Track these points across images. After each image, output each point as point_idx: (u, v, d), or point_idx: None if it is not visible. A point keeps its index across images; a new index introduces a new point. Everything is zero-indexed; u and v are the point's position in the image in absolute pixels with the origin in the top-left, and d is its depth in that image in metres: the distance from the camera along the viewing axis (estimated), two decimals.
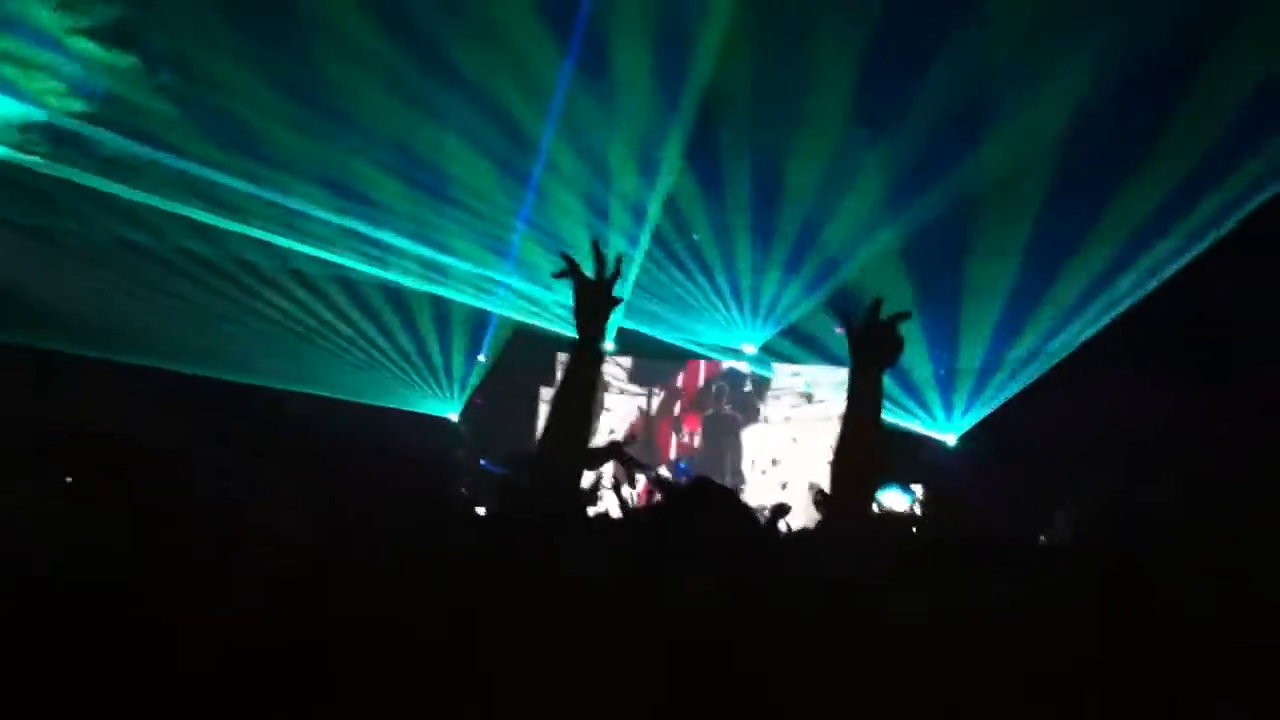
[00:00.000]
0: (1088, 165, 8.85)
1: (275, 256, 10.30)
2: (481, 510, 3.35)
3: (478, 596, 1.92)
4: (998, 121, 8.68)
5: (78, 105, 8.19)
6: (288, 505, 2.27)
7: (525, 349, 11.83)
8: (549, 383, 11.85)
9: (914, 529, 7.20)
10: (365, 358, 11.86)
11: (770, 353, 12.45)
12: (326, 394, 11.01)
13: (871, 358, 2.51)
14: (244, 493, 2.18)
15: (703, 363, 12.72)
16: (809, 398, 12.47)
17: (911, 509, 9.23)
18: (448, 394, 12.53)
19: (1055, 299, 10.50)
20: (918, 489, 9.93)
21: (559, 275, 2.59)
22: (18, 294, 8.92)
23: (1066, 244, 9.83)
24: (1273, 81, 7.78)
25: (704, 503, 2.18)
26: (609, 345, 12.21)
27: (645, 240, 10.89)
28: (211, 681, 1.71)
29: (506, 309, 11.70)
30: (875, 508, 2.96)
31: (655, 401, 12.73)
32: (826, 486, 2.53)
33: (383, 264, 10.66)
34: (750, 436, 12.53)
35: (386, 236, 10.17)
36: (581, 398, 2.51)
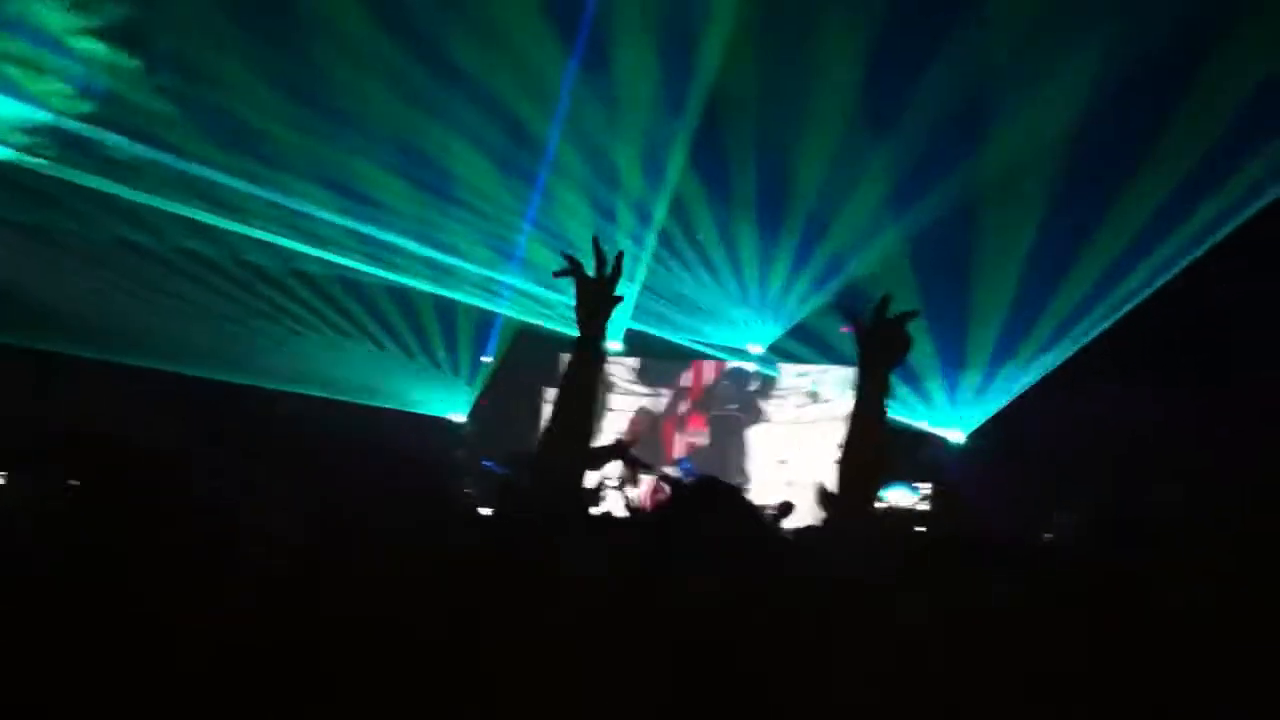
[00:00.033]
0: (1093, 163, 8.85)
1: (278, 257, 10.30)
2: (485, 510, 3.34)
3: (477, 597, 1.91)
4: (1003, 119, 8.68)
5: (81, 106, 8.20)
6: (285, 505, 2.26)
7: (529, 349, 11.81)
8: (553, 383, 11.83)
9: (918, 526, 7.19)
10: (369, 358, 11.86)
11: (776, 352, 12.43)
12: (329, 395, 11.00)
13: (879, 357, 2.49)
14: (242, 493, 2.17)
15: (709, 363, 12.70)
16: (815, 397, 12.45)
17: (917, 505, 9.24)
18: (453, 394, 12.52)
19: (1062, 295, 10.49)
20: (924, 486, 9.92)
21: (560, 274, 2.59)
22: (18, 294, 8.93)
23: (1073, 242, 9.82)
24: (1273, 82, 7.77)
25: (710, 501, 2.17)
26: (617, 345, 12.20)
27: (651, 240, 10.89)
28: (209, 682, 1.71)
29: (512, 310, 11.70)
30: (881, 504, 2.94)
31: (661, 402, 12.71)
32: (832, 486, 2.51)
33: (388, 265, 10.66)
34: (756, 436, 12.51)
35: (391, 238, 10.17)
36: (583, 397, 2.50)
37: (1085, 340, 10.71)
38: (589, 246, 2.61)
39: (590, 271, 2.56)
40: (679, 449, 12.53)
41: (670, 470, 11.22)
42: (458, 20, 8.02)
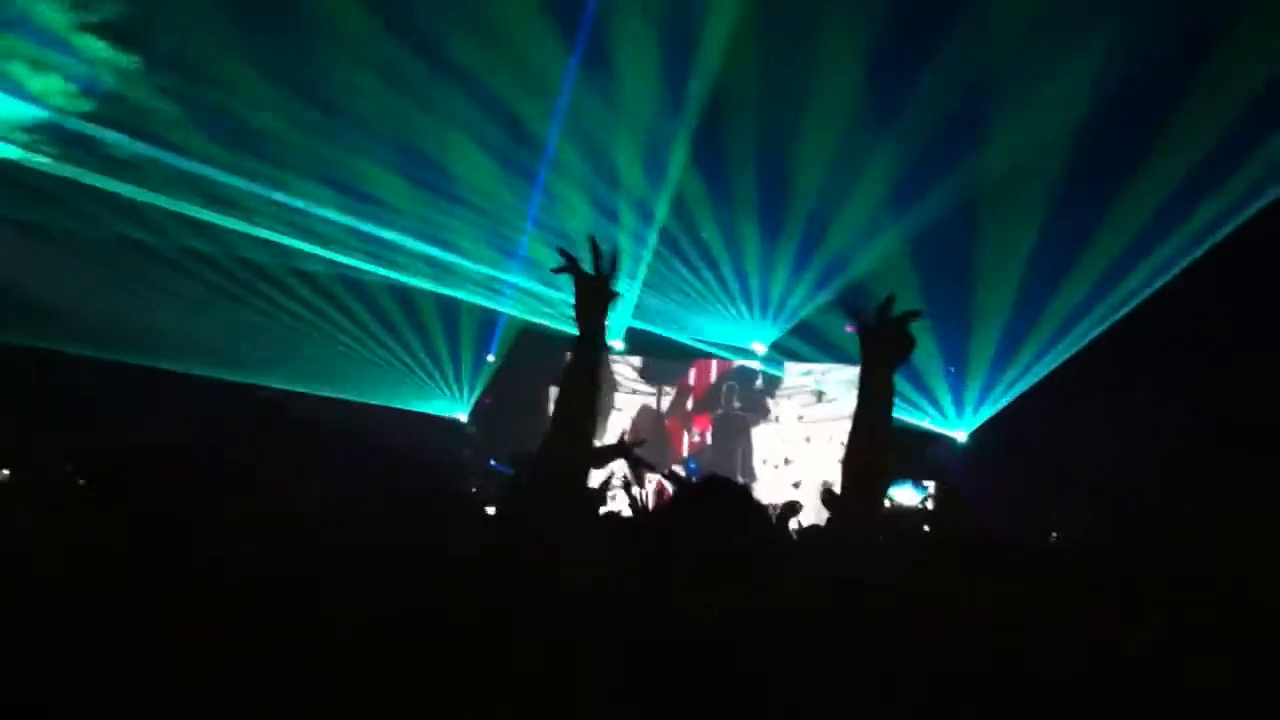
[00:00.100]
0: (1094, 163, 8.85)
1: (281, 256, 10.31)
2: (490, 510, 3.33)
3: (477, 597, 1.90)
4: (1005, 119, 8.68)
5: (83, 105, 8.20)
6: (287, 505, 2.26)
7: (533, 348, 11.81)
8: (557, 382, 11.81)
9: (924, 525, 7.19)
10: (372, 357, 11.87)
11: (779, 351, 12.42)
12: (332, 394, 11.01)
13: (883, 356, 2.48)
14: (244, 492, 2.16)
15: (713, 361, 12.69)
16: (820, 396, 12.44)
17: (923, 504, 9.24)
18: (456, 394, 12.53)
19: (1063, 295, 10.48)
20: (929, 485, 9.92)
21: (558, 270, 2.60)
22: (17, 293, 8.94)
23: (1074, 242, 9.82)
24: (1273, 82, 7.78)
25: (718, 500, 2.16)
26: (619, 344, 12.21)
27: (653, 239, 10.89)
28: (209, 683, 1.70)
29: (514, 309, 11.70)
30: (886, 503, 2.93)
31: (665, 401, 12.70)
32: (837, 486, 2.51)
33: (390, 264, 10.66)
34: (761, 435, 12.50)
35: (394, 237, 10.17)
36: (584, 394, 2.49)
37: (1086, 340, 10.71)
38: (588, 244, 2.62)
39: (587, 268, 2.56)
40: (684, 448, 12.53)
41: (677, 469, 11.22)
42: (459, 19, 8.01)
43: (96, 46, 7.78)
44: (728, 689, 1.80)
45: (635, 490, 4.67)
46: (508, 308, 11.73)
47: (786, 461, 12.24)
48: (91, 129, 8.37)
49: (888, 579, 2.33)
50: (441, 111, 8.71)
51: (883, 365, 2.47)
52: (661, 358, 12.62)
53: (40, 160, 8.52)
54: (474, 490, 8.51)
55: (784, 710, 1.81)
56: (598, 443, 3.03)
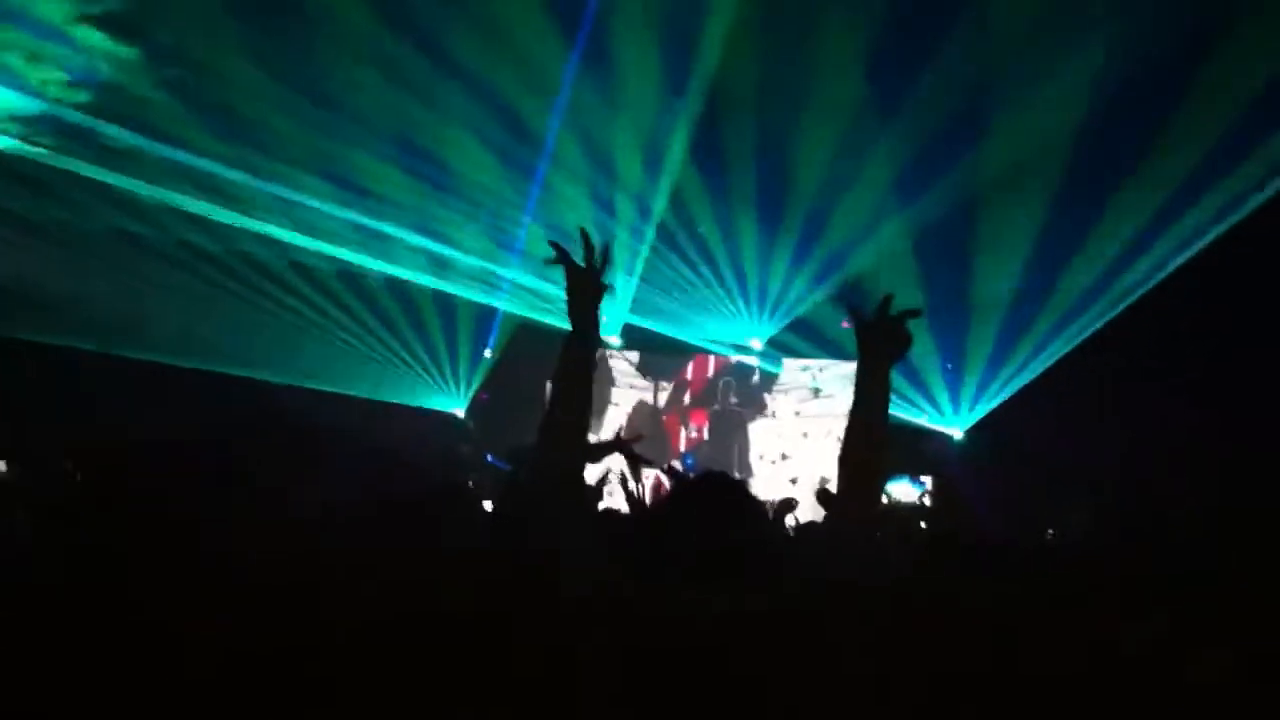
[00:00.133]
0: (1094, 161, 8.85)
1: (279, 250, 10.30)
2: (488, 505, 3.33)
3: (477, 600, 1.90)
4: (1005, 116, 8.68)
5: (81, 97, 8.19)
6: (288, 504, 2.25)
7: (531, 344, 11.81)
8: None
9: (921, 522, 7.18)
10: (370, 352, 11.86)
11: (776, 347, 12.42)
12: (329, 389, 11.00)
13: (880, 351, 2.49)
14: (247, 491, 2.16)
15: (709, 357, 12.69)
16: (817, 393, 12.44)
17: (920, 500, 9.24)
18: (453, 389, 12.53)
19: (1061, 292, 10.50)
20: (927, 481, 9.93)
21: (550, 262, 2.61)
22: (15, 286, 8.92)
23: (1073, 239, 9.83)
24: (1273, 82, 7.79)
25: (715, 495, 2.16)
26: (615, 340, 12.20)
27: (651, 234, 10.89)
28: (212, 685, 1.70)
29: (512, 304, 11.69)
30: (884, 499, 2.94)
31: (662, 396, 12.70)
32: (834, 483, 2.51)
33: (388, 258, 10.66)
34: (758, 431, 12.50)
35: (392, 230, 10.16)
36: (578, 388, 2.50)
37: (1083, 338, 10.72)
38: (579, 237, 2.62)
39: (579, 260, 2.57)
40: (681, 444, 12.53)
41: (675, 464, 11.22)
42: (458, 13, 8.00)
43: (95, 38, 7.76)
44: (726, 692, 1.80)
45: (632, 486, 4.67)
46: (505, 303, 11.72)
47: (784, 457, 12.24)
48: (89, 121, 8.35)
49: (884, 579, 2.33)
50: (440, 106, 8.70)
51: (880, 361, 2.48)
52: (659, 353, 12.62)
53: (38, 152, 8.51)
54: (470, 485, 8.50)
55: (783, 713, 1.81)
56: (593, 437, 3.03)
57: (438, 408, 12.50)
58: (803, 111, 9.07)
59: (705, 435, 12.60)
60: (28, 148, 8.44)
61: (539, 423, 2.48)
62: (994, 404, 11.64)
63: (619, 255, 10.90)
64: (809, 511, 7.20)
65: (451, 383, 12.51)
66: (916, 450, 11.04)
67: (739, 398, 12.62)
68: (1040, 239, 9.78)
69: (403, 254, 10.61)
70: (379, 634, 1.81)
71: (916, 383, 11.62)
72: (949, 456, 11.65)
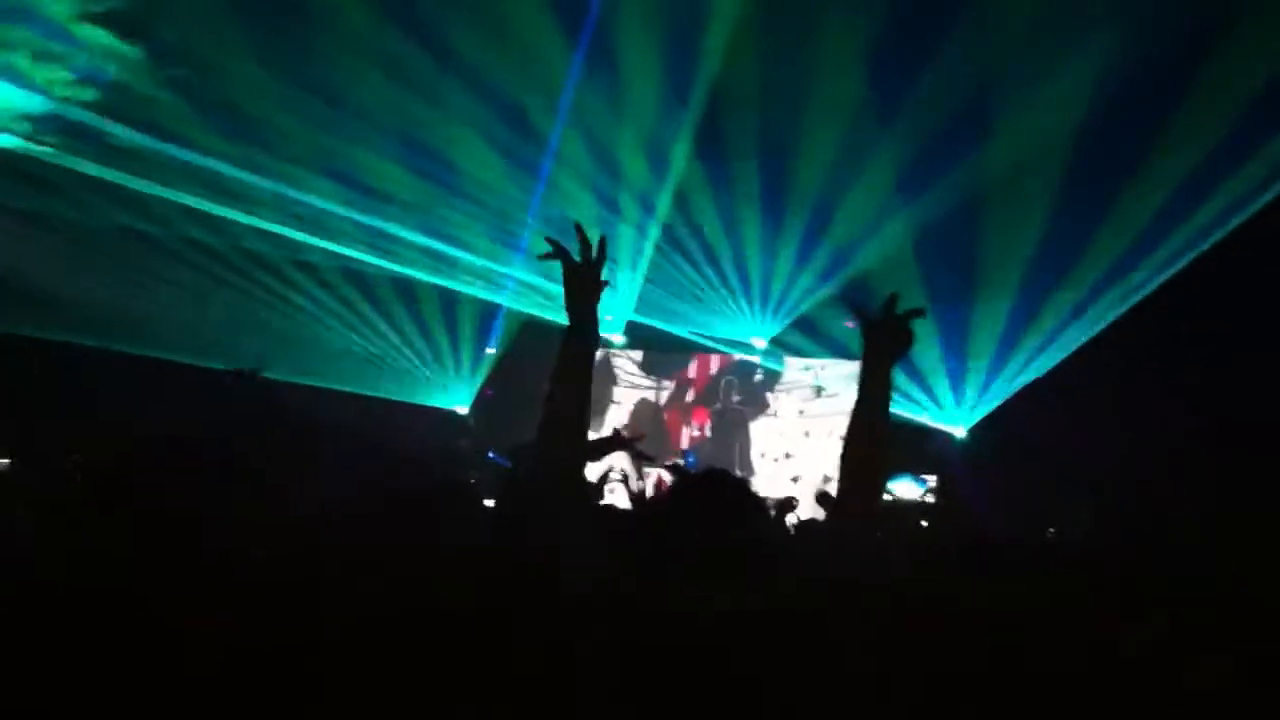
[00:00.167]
0: (1096, 160, 8.85)
1: (283, 247, 10.30)
2: (489, 502, 3.34)
3: (477, 598, 1.90)
4: (1007, 116, 8.68)
5: (86, 95, 8.20)
6: (289, 501, 2.25)
7: (534, 341, 11.81)
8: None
9: (923, 519, 7.18)
10: (374, 349, 11.87)
11: (779, 345, 12.42)
12: (333, 386, 11.00)
13: (883, 350, 2.49)
14: (248, 487, 2.16)
15: (712, 355, 12.69)
16: (819, 391, 12.43)
17: (923, 498, 9.24)
18: (457, 386, 12.54)
19: (1064, 292, 10.49)
20: (930, 479, 9.92)
21: (545, 257, 2.61)
22: (20, 283, 8.93)
23: (1076, 238, 9.82)
24: (1273, 82, 7.78)
25: (716, 492, 2.17)
26: (619, 338, 12.20)
27: (655, 232, 10.89)
28: (213, 682, 1.70)
29: (516, 302, 11.70)
30: (886, 496, 2.94)
31: (665, 394, 12.70)
32: (836, 482, 2.51)
33: (392, 256, 10.66)
34: (760, 430, 12.50)
35: (396, 229, 10.17)
36: (577, 385, 2.50)
37: (1086, 337, 10.71)
38: (590, 236, 2.62)
39: (575, 256, 2.57)
40: (683, 442, 12.53)
41: (676, 462, 11.22)
42: (463, 11, 8.01)
43: (100, 37, 7.78)
44: (726, 689, 1.80)
45: (634, 483, 4.67)
46: (509, 300, 11.73)
47: (786, 456, 12.24)
48: (95, 119, 8.36)
49: (885, 579, 2.33)
50: (445, 104, 8.71)
51: (883, 360, 2.48)
52: (662, 352, 12.62)
53: (43, 150, 8.52)
54: (472, 481, 8.50)
55: (783, 710, 1.81)
56: (593, 435, 3.04)
57: (441, 405, 12.51)
58: (806, 110, 9.07)
59: (707, 433, 12.60)
60: (33, 146, 8.45)
61: (539, 419, 2.48)
62: (997, 402, 11.63)
63: (623, 254, 10.90)
64: (809, 511, 7.20)
65: (455, 380, 12.52)
66: (919, 448, 11.03)
67: (741, 396, 12.62)
68: (1041, 239, 9.77)
69: (407, 251, 10.62)
70: (380, 630, 1.81)
71: (919, 381, 11.61)
72: (951, 455, 11.64)
